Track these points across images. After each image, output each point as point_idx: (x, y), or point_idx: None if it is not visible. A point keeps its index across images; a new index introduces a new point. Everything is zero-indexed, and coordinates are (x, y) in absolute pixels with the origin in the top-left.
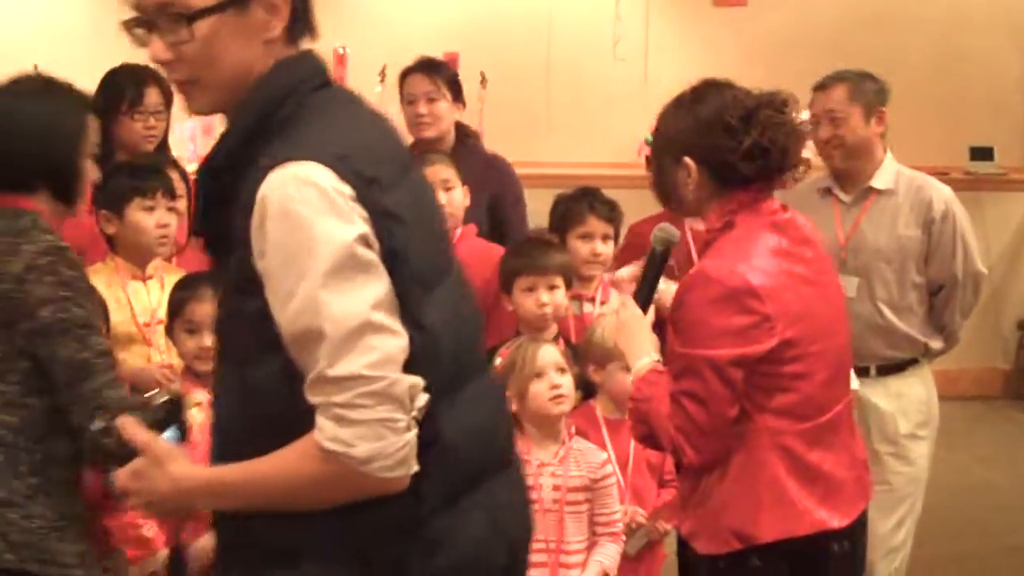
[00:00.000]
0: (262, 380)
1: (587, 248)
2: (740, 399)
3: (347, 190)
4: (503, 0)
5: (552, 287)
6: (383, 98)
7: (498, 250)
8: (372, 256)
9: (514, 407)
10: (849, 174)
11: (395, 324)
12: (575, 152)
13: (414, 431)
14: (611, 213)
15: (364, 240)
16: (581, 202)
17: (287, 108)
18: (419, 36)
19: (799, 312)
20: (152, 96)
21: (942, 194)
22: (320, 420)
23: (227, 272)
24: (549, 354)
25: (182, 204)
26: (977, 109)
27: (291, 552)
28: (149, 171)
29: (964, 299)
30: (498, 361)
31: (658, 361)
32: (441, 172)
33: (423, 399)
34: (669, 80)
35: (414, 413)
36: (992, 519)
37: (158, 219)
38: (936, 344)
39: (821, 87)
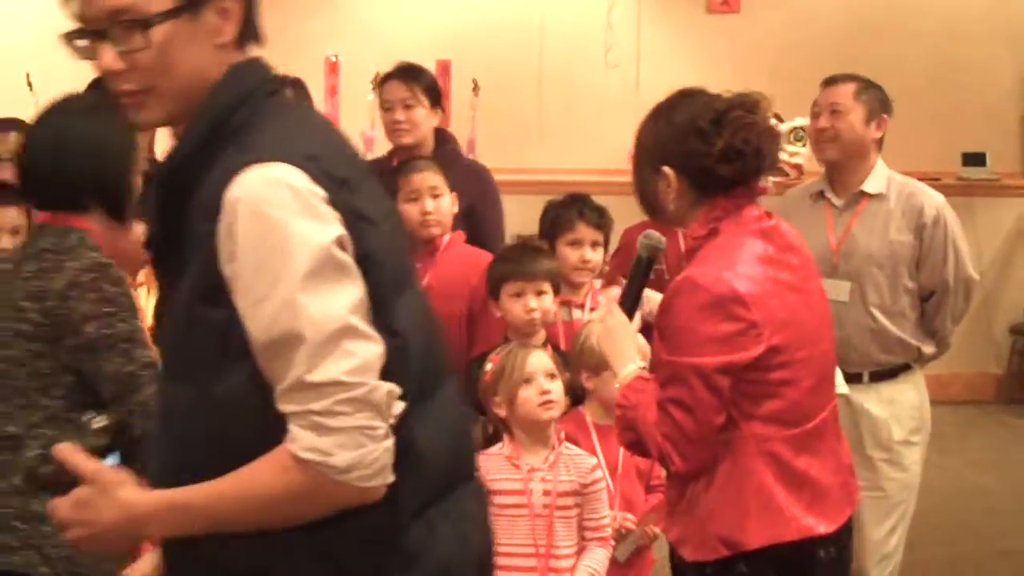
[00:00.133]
0: (226, 393)
1: (576, 255)
2: (727, 406)
3: (320, 191)
4: (495, 8)
5: (540, 293)
6: (376, 106)
7: (486, 256)
8: (348, 259)
9: (504, 412)
10: (840, 172)
11: (371, 329)
12: (567, 159)
13: (392, 439)
14: (600, 220)
15: (340, 242)
16: (571, 209)
17: (241, 114)
18: (412, 44)
19: (785, 319)
20: None
21: (934, 200)
22: (294, 429)
23: (181, 284)
24: (539, 360)
25: None
26: (970, 115)
27: (259, 573)
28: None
29: (955, 305)
30: (489, 367)
31: (644, 368)
32: (429, 179)
33: (399, 406)
34: (661, 87)
35: (391, 420)
36: (984, 523)
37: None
38: (928, 349)
39: (830, 82)
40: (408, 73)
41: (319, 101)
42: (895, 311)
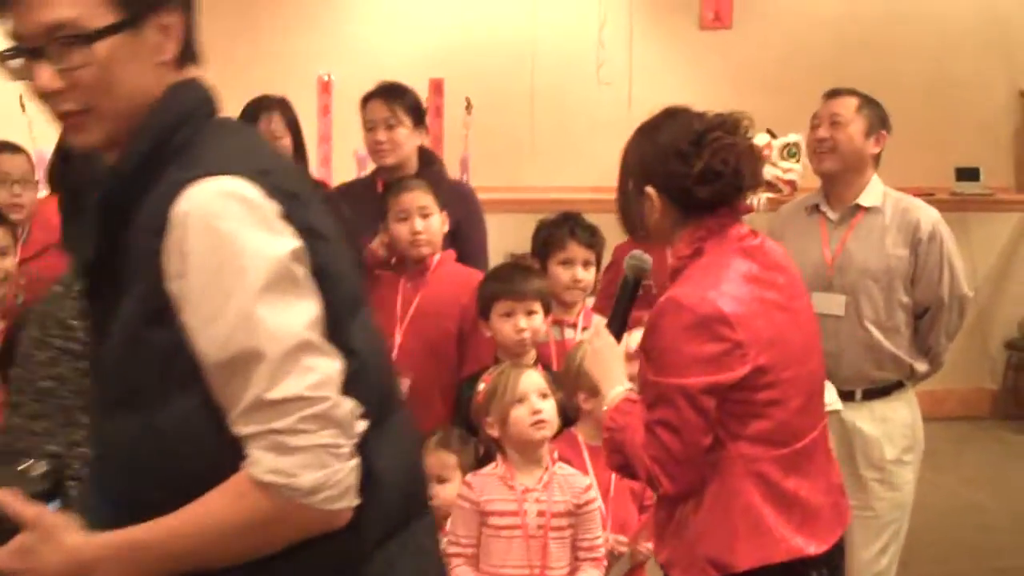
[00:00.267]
0: (175, 422)
1: (568, 274)
2: (714, 427)
3: (273, 205)
4: (487, 26)
5: (530, 312)
6: None
7: (476, 275)
8: (305, 273)
9: (496, 432)
10: (836, 185)
11: (329, 346)
12: (560, 177)
13: (356, 459)
14: (592, 239)
15: (296, 256)
16: (562, 228)
17: (183, 133)
18: (404, 63)
19: (771, 338)
20: None
21: (929, 215)
22: (254, 452)
23: (119, 311)
24: (531, 380)
25: None
26: (963, 130)
27: None
28: None
29: (950, 322)
30: (481, 387)
31: (631, 389)
32: (419, 199)
33: (362, 425)
34: (654, 104)
35: (354, 440)
36: (979, 541)
37: None
38: (921, 366)
39: (833, 94)
40: (390, 93)
41: (312, 120)
42: (890, 326)
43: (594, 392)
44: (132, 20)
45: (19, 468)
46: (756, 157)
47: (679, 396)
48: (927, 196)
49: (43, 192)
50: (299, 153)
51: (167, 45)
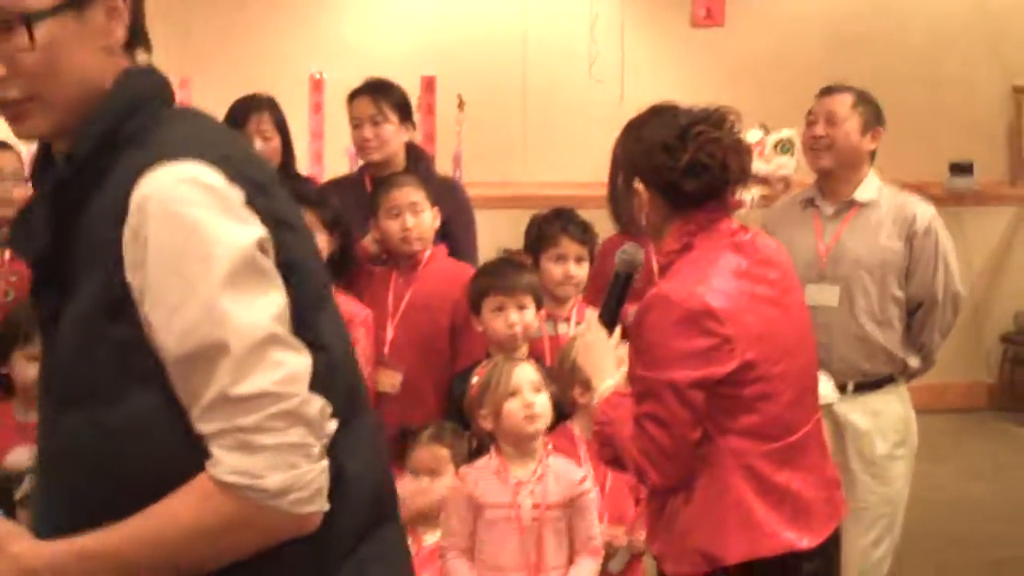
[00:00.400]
0: (132, 421)
1: (560, 270)
2: (703, 421)
3: (237, 192)
4: (479, 23)
5: (521, 307)
6: None
7: (468, 270)
8: (270, 264)
9: (490, 426)
10: (832, 181)
11: (296, 340)
12: (552, 173)
13: (326, 460)
14: (585, 235)
15: (262, 245)
16: (555, 224)
17: (138, 120)
18: (396, 60)
19: (760, 333)
20: None
21: (926, 210)
22: (217, 452)
23: (72, 305)
24: (524, 373)
25: None
26: (957, 125)
27: None
28: None
29: (943, 319)
30: (475, 380)
31: (622, 384)
32: (410, 195)
33: (333, 424)
34: (646, 101)
35: (324, 440)
36: (977, 532)
37: None
38: (914, 362)
39: (827, 91)
40: (376, 89)
41: (303, 118)
42: (883, 319)
43: (588, 386)
44: (75, 1)
45: None
46: (743, 151)
47: (667, 390)
48: (921, 191)
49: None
50: (287, 152)
51: (114, 28)
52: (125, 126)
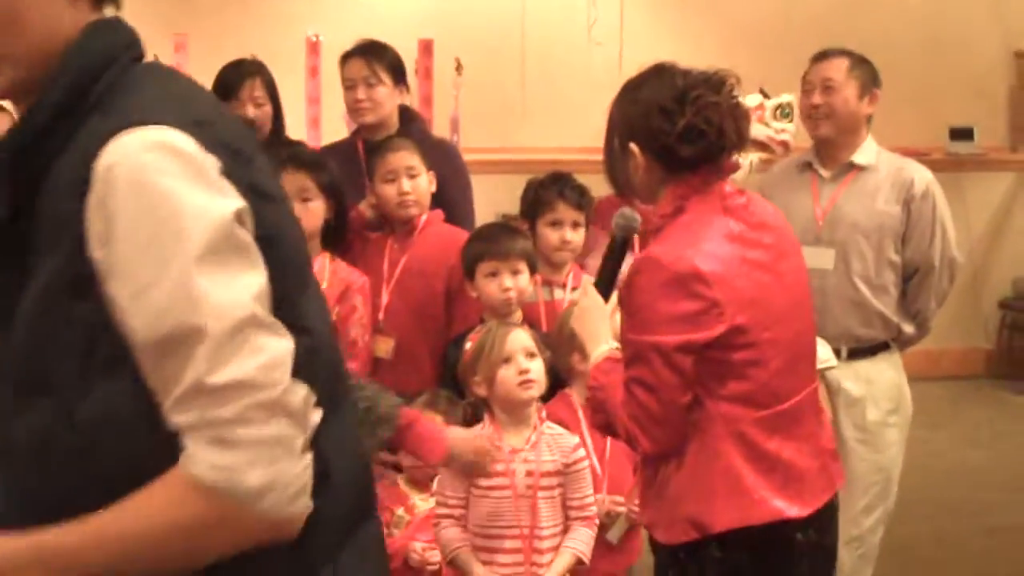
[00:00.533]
0: (99, 410)
1: (557, 235)
2: (692, 386)
3: (213, 160)
4: None
5: (515, 272)
6: None
7: (464, 235)
8: (249, 238)
9: (484, 392)
10: (831, 148)
11: (277, 322)
12: (551, 137)
13: (310, 454)
14: (581, 200)
15: (240, 217)
16: (551, 189)
17: (105, 79)
18: (393, 23)
19: (751, 298)
20: None
21: (924, 174)
22: (193, 446)
23: (32, 282)
24: (518, 339)
25: None
26: (957, 89)
27: None
28: None
29: (939, 286)
30: (468, 346)
31: (616, 349)
32: (406, 159)
33: (317, 414)
34: (646, 64)
35: (309, 432)
36: (974, 499)
37: None
38: (908, 328)
39: (822, 56)
40: (369, 50)
41: (300, 81)
42: (878, 284)
43: (583, 352)
44: None
45: None
46: (741, 116)
47: (654, 354)
48: (921, 156)
49: None
50: (278, 118)
51: None
52: (92, 87)
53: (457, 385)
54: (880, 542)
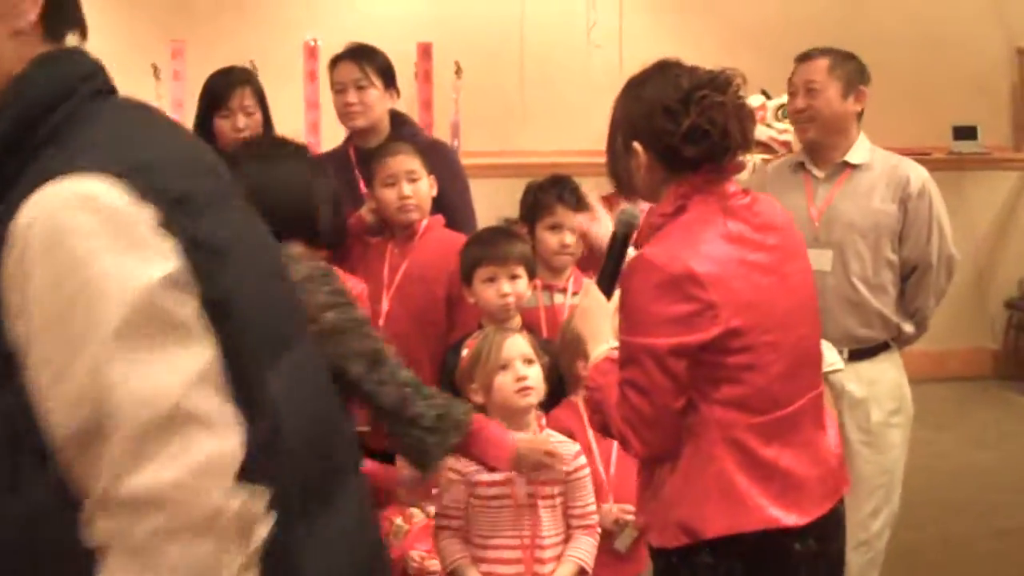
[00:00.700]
0: (23, 512)
1: (556, 239)
2: (686, 389)
3: (147, 213)
4: None
5: (514, 277)
6: None
7: (464, 240)
8: (186, 308)
9: (481, 399)
10: (821, 149)
11: (224, 409)
12: (551, 140)
13: (252, 573)
14: (580, 203)
15: (174, 283)
16: (550, 192)
17: (63, 111)
18: (392, 27)
19: (749, 301)
20: None
21: (919, 172)
22: (109, 561)
23: None
24: (515, 345)
25: None
26: (960, 88)
27: None
28: None
29: (937, 283)
30: (465, 352)
31: (615, 348)
32: (406, 163)
33: (267, 523)
34: (648, 62)
35: (254, 546)
36: (981, 501)
37: None
38: (908, 327)
39: (804, 58)
40: (359, 53)
41: (299, 86)
42: (876, 283)
43: (587, 357)
44: None
45: None
46: (747, 116)
47: (646, 356)
48: (923, 156)
49: None
50: (268, 126)
51: (25, 7)
52: (45, 118)
53: (456, 391)
54: (888, 545)
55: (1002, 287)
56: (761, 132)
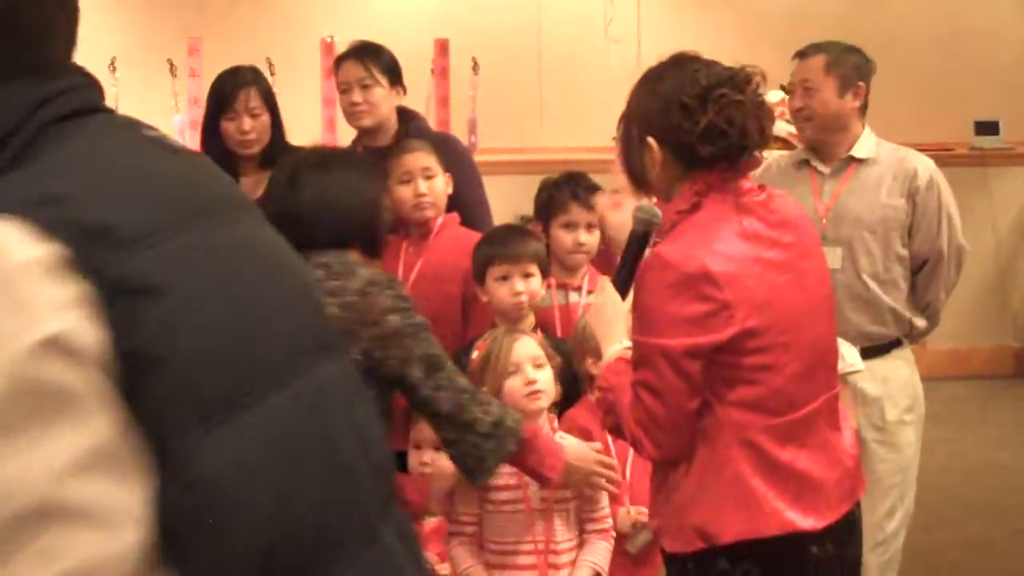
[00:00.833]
0: None
1: (570, 238)
2: (701, 391)
3: (46, 253)
4: None
5: (527, 275)
6: None
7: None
8: (73, 374)
9: None
10: (824, 146)
11: (119, 497)
12: (568, 137)
13: None
14: (595, 201)
15: (59, 346)
16: (564, 190)
17: (20, 140)
18: (409, 23)
19: (765, 300)
20: None
21: (927, 164)
22: None
23: None
24: (525, 348)
25: None
26: (982, 83)
27: None
28: None
29: (948, 275)
30: (475, 354)
31: (629, 348)
32: (422, 160)
33: None
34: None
35: None
36: (1003, 501)
37: None
38: (920, 322)
39: (801, 55)
40: (364, 52)
41: (315, 83)
42: (887, 279)
43: (598, 355)
44: None
45: None
46: (765, 115)
47: (660, 358)
48: (946, 151)
49: None
50: (277, 126)
51: None
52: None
53: None
54: (908, 546)
55: None
56: (780, 128)
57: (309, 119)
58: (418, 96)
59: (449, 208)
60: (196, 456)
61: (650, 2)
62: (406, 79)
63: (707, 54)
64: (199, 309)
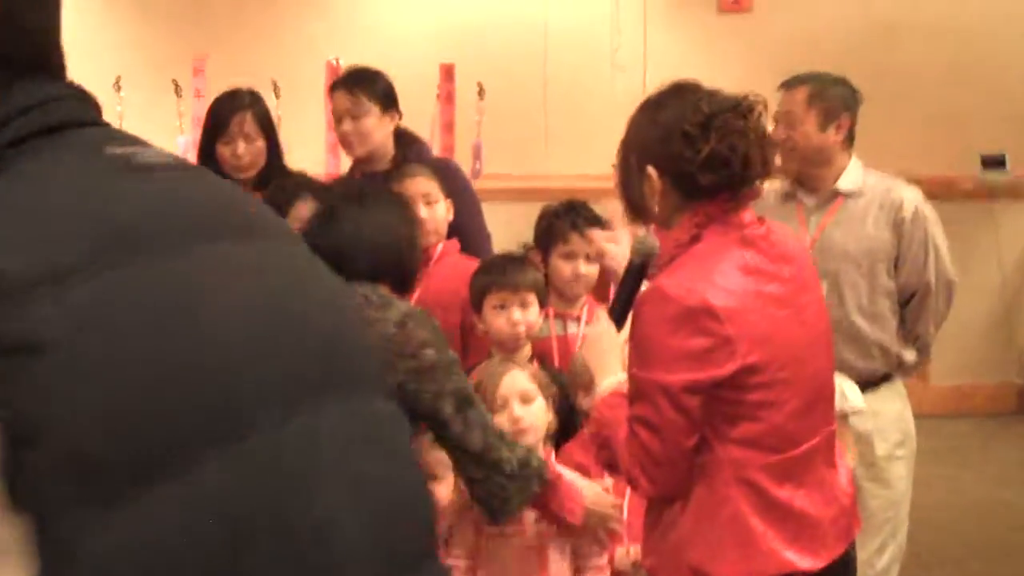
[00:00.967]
0: None
1: (570, 268)
2: (699, 427)
3: None
4: (499, 9)
5: (524, 305)
6: None
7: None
8: None
9: None
10: (808, 179)
11: None
12: (573, 164)
13: None
14: (599, 225)
15: None
16: (565, 219)
17: None
18: (415, 47)
19: (766, 335)
20: None
21: (913, 195)
22: None
23: None
24: (513, 383)
25: None
26: (988, 117)
27: None
28: None
29: (937, 308)
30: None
31: (625, 382)
32: (422, 185)
33: None
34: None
35: None
36: (1005, 540)
37: None
38: (910, 356)
39: (786, 86)
40: (353, 81)
41: (320, 106)
42: (874, 312)
43: (588, 388)
44: None
45: None
46: (768, 145)
47: (659, 393)
48: (952, 185)
49: None
50: (273, 151)
51: None
52: None
53: None
54: None
55: None
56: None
57: (313, 141)
58: (423, 121)
59: (448, 235)
60: (86, 533)
61: (656, 30)
62: (411, 103)
63: (713, 83)
64: (98, 364)
